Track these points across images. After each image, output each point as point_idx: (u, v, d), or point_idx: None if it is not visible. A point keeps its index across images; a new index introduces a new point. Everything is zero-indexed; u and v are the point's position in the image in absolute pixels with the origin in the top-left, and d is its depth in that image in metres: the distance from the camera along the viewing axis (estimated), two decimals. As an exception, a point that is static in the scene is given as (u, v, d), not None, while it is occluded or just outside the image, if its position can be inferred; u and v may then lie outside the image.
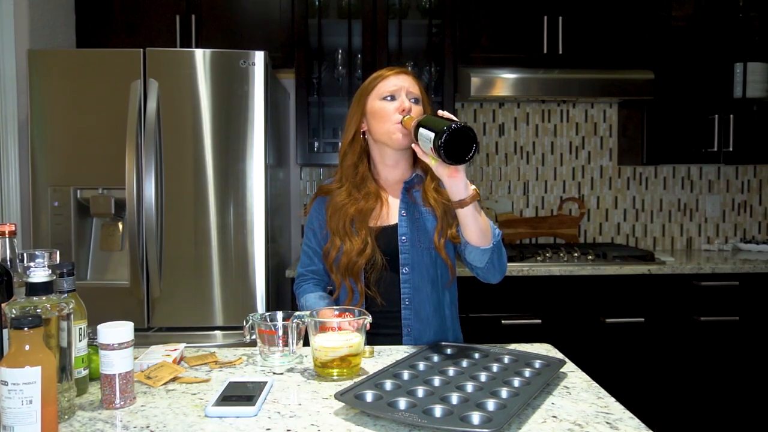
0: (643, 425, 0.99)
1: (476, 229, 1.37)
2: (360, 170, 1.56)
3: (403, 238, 1.52)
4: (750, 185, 3.40)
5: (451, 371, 1.19)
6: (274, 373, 1.28)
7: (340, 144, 1.62)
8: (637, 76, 2.88)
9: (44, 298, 1.00)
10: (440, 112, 1.31)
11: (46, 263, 1.08)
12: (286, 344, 1.33)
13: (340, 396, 1.05)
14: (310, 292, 1.60)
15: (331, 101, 3.06)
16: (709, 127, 2.99)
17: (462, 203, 1.34)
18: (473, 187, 1.35)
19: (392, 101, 1.49)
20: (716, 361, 2.74)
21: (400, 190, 1.57)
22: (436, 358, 1.30)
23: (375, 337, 1.46)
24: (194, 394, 1.15)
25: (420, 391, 1.08)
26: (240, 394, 1.10)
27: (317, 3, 2.94)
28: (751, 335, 2.75)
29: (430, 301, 1.53)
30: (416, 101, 1.50)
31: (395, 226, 1.54)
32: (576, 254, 2.81)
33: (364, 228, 1.51)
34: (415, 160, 1.59)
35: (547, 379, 1.16)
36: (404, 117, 1.46)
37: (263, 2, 2.87)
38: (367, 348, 1.39)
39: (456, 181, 1.32)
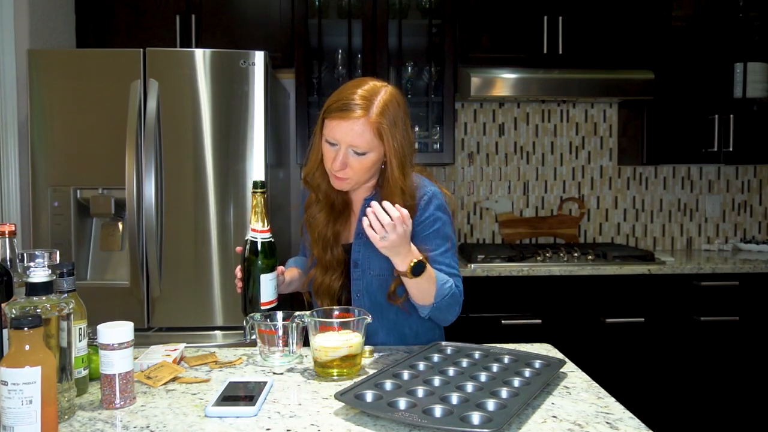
0: (643, 425, 0.99)
1: (416, 292, 1.34)
2: (331, 190, 1.46)
3: (355, 263, 1.46)
4: (750, 185, 3.40)
5: (451, 371, 1.19)
6: (274, 373, 1.28)
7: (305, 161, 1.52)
8: (637, 76, 2.88)
9: (44, 298, 1.00)
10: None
11: (46, 263, 1.08)
12: (286, 344, 1.34)
13: (340, 396, 1.05)
14: (297, 257, 1.66)
15: (331, 101, 3.06)
16: (709, 127, 2.99)
17: (402, 274, 1.30)
18: (414, 260, 1.28)
19: (333, 147, 1.36)
20: (716, 361, 2.74)
21: (360, 207, 1.48)
22: (436, 358, 1.30)
23: None
24: (194, 394, 1.15)
25: (420, 391, 1.08)
26: (240, 394, 1.10)
27: (317, 3, 2.94)
28: (751, 335, 2.75)
29: (383, 324, 1.47)
30: (361, 154, 1.34)
31: (350, 246, 1.48)
32: (576, 254, 2.81)
33: (339, 249, 1.48)
34: (377, 183, 1.46)
35: (547, 379, 1.16)
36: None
37: (263, 2, 2.87)
38: (367, 348, 1.39)
39: (391, 258, 1.28)
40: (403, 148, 1.36)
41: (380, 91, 1.35)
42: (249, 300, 1.34)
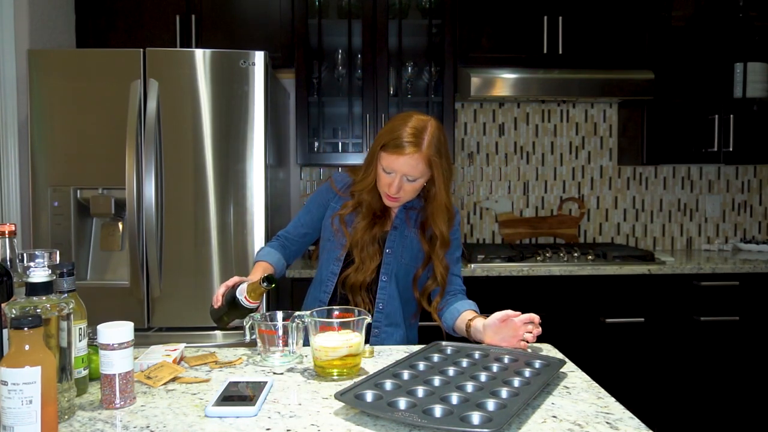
0: (643, 425, 0.99)
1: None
2: (376, 201, 1.64)
3: (389, 250, 1.64)
4: (750, 185, 3.40)
5: (451, 371, 1.19)
6: (274, 373, 1.28)
7: (354, 177, 1.68)
8: (637, 76, 2.87)
9: (44, 298, 1.00)
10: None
11: (46, 263, 1.08)
12: (286, 344, 1.34)
13: (340, 396, 1.05)
14: (271, 248, 1.72)
15: (331, 101, 3.06)
16: (709, 127, 2.99)
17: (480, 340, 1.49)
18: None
19: (389, 175, 1.56)
20: (716, 361, 2.74)
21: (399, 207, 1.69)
22: (436, 358, 1.30)
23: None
24: (194, 394, 1.15)
25: (420, 391, 1.08)
26: (240, 394, 1.10)
27: (317, 3, 2.94)
28: (751, 335, 2.75)
29: (401, 309, 1.66)
30: (413, 180, 1.55)
31: (386, 235, 1.66)
32: (576, 254, 2.81)
33: (375, 246, 1.64)
34: (419, 194, 1.65)
35: (547, 379, 1.16)
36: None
37: (263, 2, 2.87)
38: (367, 348, 1.39)
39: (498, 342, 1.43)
40: (448, 172, 1.59)
41: (427, 126, 1.54)
42: (224, 320, 1.49)
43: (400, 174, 1.53)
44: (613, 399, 1.12)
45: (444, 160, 1.56)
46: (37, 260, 1.08)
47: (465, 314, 1.57)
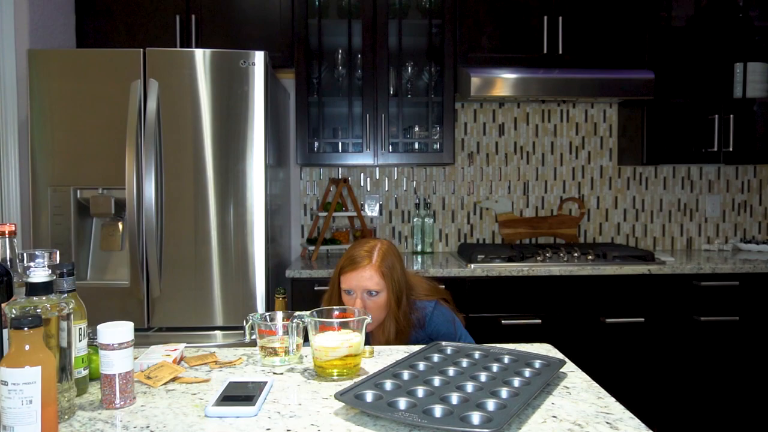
0: (643, 425, 0.99)
1: None
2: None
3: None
4: (750, 185, 3.40)
5: (451, 371, 1.19)
6: (274, 373, 1.28)
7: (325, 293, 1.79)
8: (637, 76, 2.87)
9: (44, 298, 1.00)
10: None
11: (46, 263, 1.08)
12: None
13: (340, 396, 1.05)
14: None
15: (331, 101, 3.06)
16: (709, 127, 2.99)
17: None
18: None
19: (351, 296, 1.67)
20: (716, 361, 2.74)
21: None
22: (436, 358, 1.30)
23: None
24: (194, 394, 1.15)
25: (420, 391, 1.08)
26: (240, 394, 1.10)
27: (317, 3, 2.94)
28: (751, 335, 2.75)
29: None
30: (375, 293, 1.64)
31: None
32: (576, 254, 2.81)
33: None
34: (396, 334, 1.69)
35: (547, 379, 1.16)
36: None
37: (263, 2, 2.87)
38: (367, 348, 1.39)
39: None
40: (399, 285, 1.67)
41: (377, 245, 1.70)
42: None
43: (360, 290, 1.63)
44: (613, 399, 1.12)
45: (396, 273, 1.66)
46: (37, 260, 1.08)
47: None
